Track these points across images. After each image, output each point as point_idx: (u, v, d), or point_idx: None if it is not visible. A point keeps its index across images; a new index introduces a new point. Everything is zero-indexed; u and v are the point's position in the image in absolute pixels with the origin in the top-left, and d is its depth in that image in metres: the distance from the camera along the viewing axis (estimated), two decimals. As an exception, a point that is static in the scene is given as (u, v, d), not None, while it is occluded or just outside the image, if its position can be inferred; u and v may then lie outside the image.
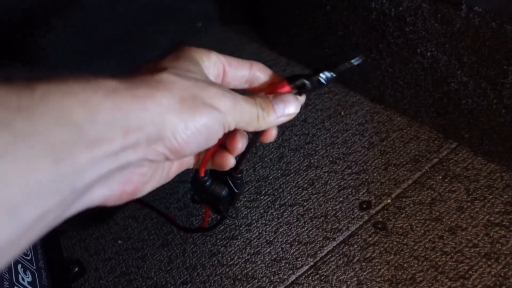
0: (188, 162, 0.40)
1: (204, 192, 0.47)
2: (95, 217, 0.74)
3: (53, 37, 0.90)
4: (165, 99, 0.28)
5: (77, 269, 0.68)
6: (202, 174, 0.45)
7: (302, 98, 0.39)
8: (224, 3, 1.06)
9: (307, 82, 0.38)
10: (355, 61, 0.39)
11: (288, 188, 0.66)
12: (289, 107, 0.37)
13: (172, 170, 0.38)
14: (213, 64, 0.35)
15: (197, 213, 0.68)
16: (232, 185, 0.47)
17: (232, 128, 0.33)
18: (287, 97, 0.37)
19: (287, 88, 0.38)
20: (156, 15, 1.01)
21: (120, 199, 0.30)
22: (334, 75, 0.39)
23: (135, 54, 1.02)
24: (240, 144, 0.39)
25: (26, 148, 0.22)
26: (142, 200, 0.71)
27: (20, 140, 0.22)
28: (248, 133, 0.41)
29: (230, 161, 0.40)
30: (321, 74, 0.39)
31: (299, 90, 0.39)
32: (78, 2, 0.89)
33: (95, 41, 0.95)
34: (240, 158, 0.49)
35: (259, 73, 0.38)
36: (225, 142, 0.40)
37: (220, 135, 0.32)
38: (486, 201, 0.55)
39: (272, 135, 0.40)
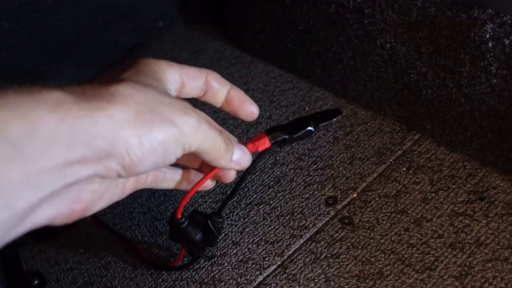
0: (145, 181, 0.38)
1: (179, 233, 0.49)
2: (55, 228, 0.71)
3: (6, 41, 0.86)
4: (118, 112, 0.26)
5: (37, 281, 0.65)
6: (179, 216, 0.46)
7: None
8: (186, 2, 1.04)
9: (286, 137, 0.39)
10: (335, 119, 0.41)
11: (254, 187, 0.64)
12: (244, 158, 0.37)
13: (127, 187, 0.36)
14: (172, 76, 0.33)
15: (161, 217, 0.66)
16: (212, 228, 0.50)
17: (192, 150, 0.31)
18: (245, 149, 0.38)
19: (265, 140, 0.39)
20: (116, 15, 0.98)
21: (69, 218, 0.29)
22: (313, 130, 0.40)
23: (95, 56, 0.99)
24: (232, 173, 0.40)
25: None
26: (100, 219, 0.68)
27: None
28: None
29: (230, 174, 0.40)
30: (301, 132, 0.40)
31: (277, 143, 0.39)
32: (32, 3, 0.86)
33: (52, 43, 0.92)
34: (222, 204, 0.50)
35: (214, 83, 0.37)
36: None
37: (178, 154, 0.30)
38: (450, 191, 0.55)
39: (231, 175, 0.40)
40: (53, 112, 0.23)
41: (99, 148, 0.25)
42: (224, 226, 0.61)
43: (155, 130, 0.27)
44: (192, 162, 0.42)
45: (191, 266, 0.58)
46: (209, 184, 0.41)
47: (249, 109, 0.38)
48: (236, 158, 0.36)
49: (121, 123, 0.26)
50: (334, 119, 0.40)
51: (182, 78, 0.34)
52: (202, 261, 0.58)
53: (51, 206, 0.26)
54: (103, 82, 0.27)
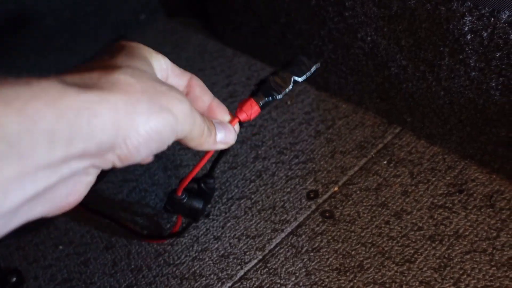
0: None
1: (181, 207, 0.52)
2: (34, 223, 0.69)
3: (-17, 33, 0.84)
4: (119, 102, 0.25)
5: (15, 279, 0.63)
6: (179, 194, 0.50)
7: (237, 128, 0.39)
8: (168, -6, 1.03)
9: (276, 98, 0.39)
10: (314, 69, 0.40)
11: (235, 181, 0.64)
12: (229, 136, 0.37)
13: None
14: (160, 65, 0.33)
15: (142, 213, 0.65)
16: (206, 190, 0.54)
17: (181, 137, 0.31)
18: (229, 127, 0.37)
19: (256, 108, 0.38)
20: (96, 7, 0.96)
21: (63, 210, 0.28)
22: (291, 88, 0.39)
23: (75, 48, 0.97)
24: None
25: None
26: (94, 209, 0.67)
27: None
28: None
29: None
30: (287, 89, 0.39)
31: (266, 106, 0.39)
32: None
33: (31, 35, 0.90)
34: (212, 165, 0.53)
35: (197, 88, 0.37)
36: None
37: (170, 142, 0.30)
38: (430, 183, 0.55)
39: None
40: (53, 106, 0.22)
41: (100, 141, 0.24)
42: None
43: (154, 120, 0.27)
44: None
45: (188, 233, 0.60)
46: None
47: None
48: (220, 138, 0.36)
49: (122, 114, 0.25)
50: (314, 69, 0.40)
51: (168, 71, 0.34)
52: (183, 256, 0.58)
53: (45, 201, 0.25)
54: (101, 69, 0.27)
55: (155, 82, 0.29)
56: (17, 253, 0.67)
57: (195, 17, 0.99)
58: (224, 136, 0.36)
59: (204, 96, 0.37)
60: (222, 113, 0.38)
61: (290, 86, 0.39)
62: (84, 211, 0.67)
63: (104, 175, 0.71)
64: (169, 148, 0.31)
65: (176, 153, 0.70)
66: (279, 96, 0.38)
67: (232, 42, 0.87)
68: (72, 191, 0.28)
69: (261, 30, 0.76)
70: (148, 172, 0.69)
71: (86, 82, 0.25)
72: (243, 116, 0.38)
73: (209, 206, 0.62)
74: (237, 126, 0.38)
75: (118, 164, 0.27)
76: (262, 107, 0.38)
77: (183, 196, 0.51)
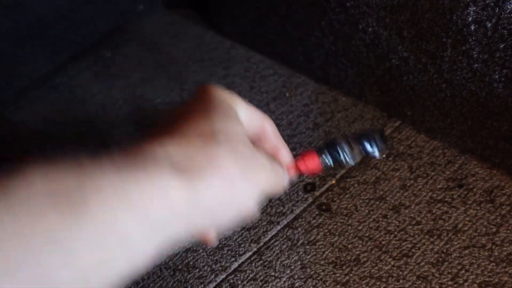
0: None
1: None
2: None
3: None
4: (218, 183, 0.27)
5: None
6: None
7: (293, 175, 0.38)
8: (167, -15, 1.01)
9: (334, 164, 0.36)
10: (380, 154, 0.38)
11: (232, 173, 0.63)
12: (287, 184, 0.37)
13: None
14: (244, 117, 0.32)
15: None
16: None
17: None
18: (286, 171, 0.36)
19: (317, 162, 0.36)
20: (94, -3, 0.95)
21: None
22: (358, 160, 0.37)
23: (70, 39, 0.95)
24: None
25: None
26: None
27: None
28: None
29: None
30: (350, 157, 0.36)
31: (325, 166, 0.36)
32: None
33: (26, 24, 0.89)
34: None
35: (269, 132, 0.36)
36: None
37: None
38: (429, 178, 0.54)
39: (213, 242, 0.38)
40: (165, 203, 0.24)
41: (199, 227, 0.27)
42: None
43: (242, 196, 0.28)
44: None
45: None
46: (213, 242, 0.40)
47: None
48: None
49: (213, 201, 0.27)
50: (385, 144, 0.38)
51: (247, 117, 0.33)
52: (177, 247, 0.57)
53: None
54: (199, 139, 0.28)
55: (244, 148, 0.29)
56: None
57: (194, 8, 0.98)
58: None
59: (274, 139, 0.36)
60: (284, 156, 0.37)
61: (358, 159, 0.37)
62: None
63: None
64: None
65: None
66: (345, 165, 0.37)
67: (230, 34, 0.85)
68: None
69: (260, 22, 0.75)
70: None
71: (189, 165, 0.26)
72: (302, 167, 0.36)
73: None
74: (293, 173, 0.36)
75: (195, 234, 0.29)
76: (323, 169, 0.36)
77: None
